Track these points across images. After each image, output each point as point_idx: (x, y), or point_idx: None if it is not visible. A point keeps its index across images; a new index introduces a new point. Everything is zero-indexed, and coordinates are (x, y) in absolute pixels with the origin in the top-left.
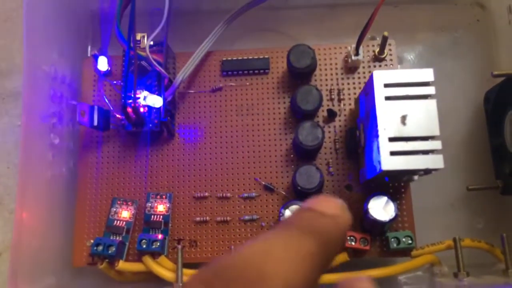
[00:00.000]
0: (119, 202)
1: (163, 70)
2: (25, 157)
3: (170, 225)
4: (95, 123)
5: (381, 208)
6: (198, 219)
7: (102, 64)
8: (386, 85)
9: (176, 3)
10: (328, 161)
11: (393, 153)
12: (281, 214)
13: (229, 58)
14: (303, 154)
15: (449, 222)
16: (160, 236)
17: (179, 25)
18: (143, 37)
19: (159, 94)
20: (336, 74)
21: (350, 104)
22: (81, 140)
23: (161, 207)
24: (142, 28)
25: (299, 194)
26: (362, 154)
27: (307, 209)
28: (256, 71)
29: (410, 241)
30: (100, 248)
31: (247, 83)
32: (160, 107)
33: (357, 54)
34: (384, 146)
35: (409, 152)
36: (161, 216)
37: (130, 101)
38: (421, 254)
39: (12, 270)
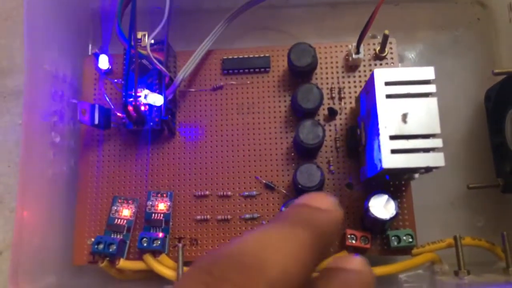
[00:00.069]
0: (120, 201)
1: (164, 69)
2: (26, 155)
3: (170, 223)
4: (96, 121)
5: (381, 207)
6: (198, 217)
7: (103, 62)
8: (387, 83)
9: (177, 1)
10: (329, 159)
11: (394, 151)
12: None
13: (230, 57)
14: (303, 153)
15: (450, 220)
16: (160, 235)
17: (180, 24)
18: (144, 35)
19: (160, 93)
20: (337, 72)
21: (351, 103)
22: (82, 138)
23: (161, 206)
24: (143, 27)
25: (299, 192)
26: (362, 152)
27: (302, 204)
28: (257, 70)
29: (410, 240)
30: (101, 246)
31: (248, 82)
32: (161, 106)
33: (358, 52)
34: (385, 144)
35: (410, 150)
36: (162, 215)
37: (131, 99)
38: (422, 253)
39: (13, 268)
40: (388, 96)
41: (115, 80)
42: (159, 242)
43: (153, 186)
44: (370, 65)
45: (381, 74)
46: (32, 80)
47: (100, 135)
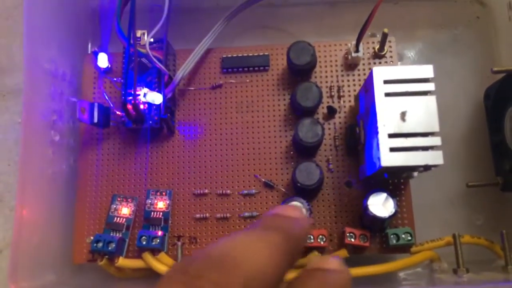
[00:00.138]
0: (119, 199)
1: (163, 67)
2: (26, 154)
3: (170, 221)
4: (95, 120)
5: (380, 205)
6: (198, 216)
7: (102, 61)
8: (385, 82)
9: (176, 0)
10: (328, 157)
11: (392, 150)
12: None
13: (229, 55)
14: (303, 151)
15: (449, 218)
16: (160, 233)
17: (179, 22)
18: (143, 34)
19: (159, 91)
20: (336, 71)
21: (350, 101)
22: (81, 137)
23: (161, 204)
24: (142, 25)
25: (299, 190)
26: (362, 150)
27: (274, 213)
28: (256, 68)
29: (409, 238)
30: (100, 244)
31: (247, 80)
32: (160, 104)
33: (357, 51)
34: (384, 143)
35: (409, 149)
36: (161, 213)
37: (130, 98)
38: (421, 251)
39: (13, 266)
40: (387, 94)
41: (115, 79)
42: (158, 241)
43: (152, 184)
44: (369, 63)
45: (380, 72)
46: (32, 79)
47: (100, 133)
